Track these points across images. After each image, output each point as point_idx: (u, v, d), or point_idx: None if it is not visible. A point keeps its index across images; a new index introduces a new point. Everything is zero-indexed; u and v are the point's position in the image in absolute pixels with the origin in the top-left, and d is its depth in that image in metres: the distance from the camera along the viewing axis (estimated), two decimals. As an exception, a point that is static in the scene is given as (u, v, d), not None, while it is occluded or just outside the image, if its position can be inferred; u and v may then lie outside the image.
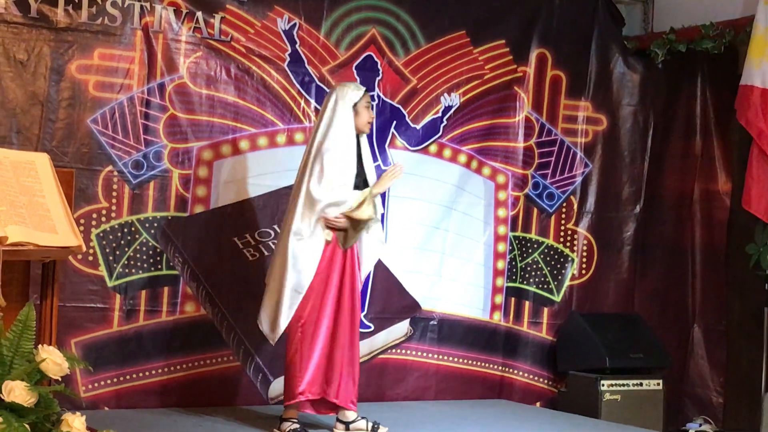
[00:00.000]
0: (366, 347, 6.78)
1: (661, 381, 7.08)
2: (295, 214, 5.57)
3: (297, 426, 5.62)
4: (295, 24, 6.61)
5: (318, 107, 6.65)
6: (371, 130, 6.71)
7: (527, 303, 7.31)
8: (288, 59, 6.60)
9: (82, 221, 6.01)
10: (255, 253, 6.50)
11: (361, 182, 5.69)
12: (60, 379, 3.96)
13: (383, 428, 5.72)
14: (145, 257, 6.25)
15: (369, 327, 6.78)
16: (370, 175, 5.78)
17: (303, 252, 5.54)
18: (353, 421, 5.70)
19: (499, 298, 7.22)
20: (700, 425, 7.34)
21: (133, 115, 6.19)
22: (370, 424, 5.71)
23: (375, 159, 6.78)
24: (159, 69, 6.26)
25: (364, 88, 5.79)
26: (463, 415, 5.98)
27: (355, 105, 5.69)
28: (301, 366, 5.58)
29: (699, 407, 7.70)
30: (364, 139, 5.83)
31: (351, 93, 5.71)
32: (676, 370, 7.60)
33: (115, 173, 6.16)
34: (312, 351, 5.60)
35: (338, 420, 5.73)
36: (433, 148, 7.01)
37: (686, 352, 7.80)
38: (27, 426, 3.77)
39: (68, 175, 4.50)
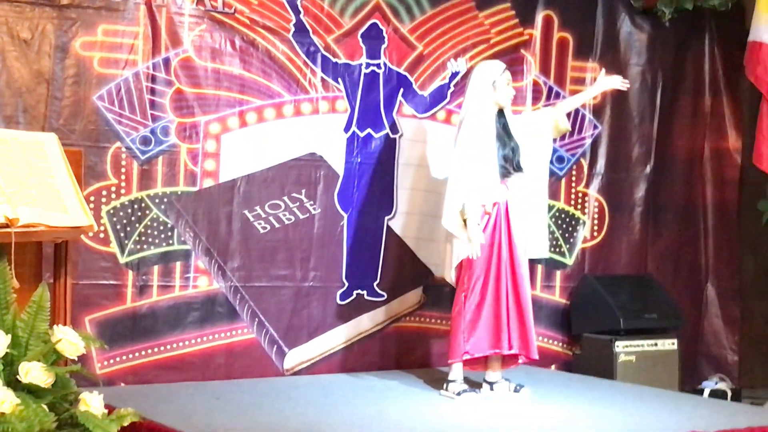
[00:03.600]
0: (380, 315, 6.80)
1: (675, 341, 7.08)
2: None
3: (465, 386, 5.83)
4: (298, -7, 6.58)
5: (324, 77, 6.63)
6: (379, 98, 6.73)
7: (540, 267, 7.29)
8: (293, 29, 6.56)
9: (91, 199, 6.00)
10: (266, 225, 6.49)
11: (511, 159, 5.91)
12: (76, 359, 3.97)
13: (526, 389, 5.92)
14: (156, 233, 6.25)
15: (382, 296, 6.78)
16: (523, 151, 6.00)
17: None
18: (497, 382, 5.97)
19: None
20: (716, 383, 7.35)
21: (139, 91, 6.17)
22: (513, 386, 5.95)
23: (383, 127, 6.77)
24: (163, 43, 6.23)
25: (503, 66, 6.03)
26: (478, 380, 5.99)
27: (494, 82, 5.92)
28: (465, 325, 5.83)
29: (714, 365, 7.72)
30: (509, 115, 6.04)
31: (491, 70, 5.98)
32: (690, 329, 7.61)
33: (123, 150, 6.15)
34: (478, 310, 5.84)
35: (484, 380, 6.00)
36: (441, 115, 6.98)
37: (700, 311, 7.81)
38: (45, 407, 3.79)
39: (77, 154, 4.50)
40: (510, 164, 5.94)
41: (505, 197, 5.94)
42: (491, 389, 5.98)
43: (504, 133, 5.97)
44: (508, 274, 5.92)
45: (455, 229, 5.80)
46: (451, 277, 5.97)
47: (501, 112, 6.01)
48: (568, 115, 6.44)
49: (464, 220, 5.77)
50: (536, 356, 6.01)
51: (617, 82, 6.41)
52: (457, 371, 5.91)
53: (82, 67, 6.03)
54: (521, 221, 6.00)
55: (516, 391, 5.93)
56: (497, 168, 5.88)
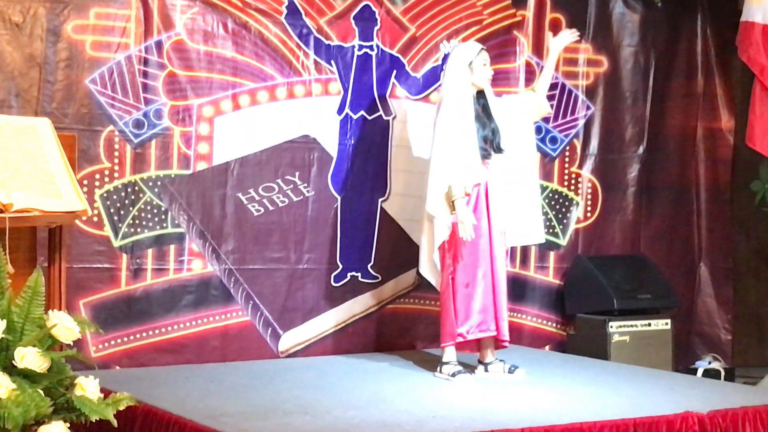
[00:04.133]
0: (374, 298, 6.81)
1: (669, 321, 7.10)
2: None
3: (459, 368, 5.85)
4: (290, -25, 6.56)
5: (317, 59, 6.62)
6: (372, 80, 6.73)
7: (533, 248, 7.30)
8: (285, 12, 6.54)
9: (85, 182, 6.00)
10: (260, 208, 6.49)
11: (491, 140, 5.91)
12: (71, 344, 3.98)
13: (520, 370, 5.92)
14: (150, 216, 6.25)
15: (377, 278, 6.79)
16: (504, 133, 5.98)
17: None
18: (491, 363, 5.99)
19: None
20: (710, 363, 7.38)
21: (131, 74, 6.16)
22: (507, 366, 5.95)
23: (376, 109, 6.77)
24: (156, 26, 6.21)
25: (480, 46, 6.03)
26: (472, 361, 6.01)
27: (470, 63, 5.92)
28: (457, 307, 5.87)
29: (708, 345, 7.75)
30: (490, 96, 6.02)
31: (467, 51, 5.99)
32: (683, 309, 7.63)
33: (117, 133, 6.14)
34: (469, 291, 5.88)
35: (478, 361, 6.01)
36: (434, 96, 6.97)
37: (693, 291, 7.83)
38: (40, 392, 3.80)
39: (70, 139, 4.51)
40: (490, 145, 5.93)
41: (485, 178, 5.93)
42: (486, 371, 5.99)
43: (483, 115, 5.96)
44: (487, 252, 5.93)
45: (440, 212, 5.80)
46: (435, 260, 5.97)
47: (481, 94, 6.00)
48: (549, 97, 6.43)
49: (451, 203, 5.77)
50: (507, 338, 6.01)
51: (567, 36, 6.32)
52: (450, 353, 5.93)
53: (74, 50, 6.01)
54: (503, 203, 6.01)
55: (510, 372, 5.95)
56: (477, 149, 5.87)
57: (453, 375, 5.82)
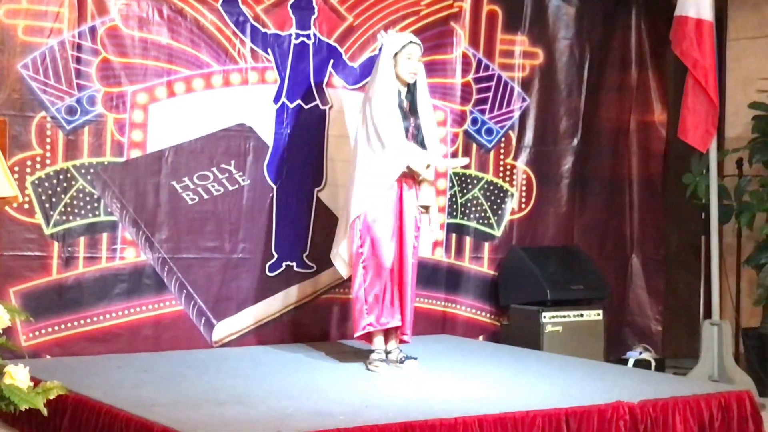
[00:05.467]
0: (310, 287, 6.80)
1: (601, 311, 7.17)
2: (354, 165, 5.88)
3: (380, 356, 5.86)
4: (227, -38, 6.51)
5: (254, 47, 6.58)
6: (309, 70, 6.71)
7: (468, 239, 7.35)
8: (221, -1, 6.51)
9: (16, 169, 5.91)
10: (194, 196, 6.45)
11: (414, 135, 5.89)
12: (1, 332, 3.93)
13: (413, 362, 5.88)
14: (82, 204, 6.18)
15: (312, 267, 6.78)
16: (428, 129, 5.95)
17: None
18: (391, 352, 5.96)
19: (441, 235, 7.24)
20: (641, 353, 7.47)
21: (64, 60, 6.08)
22: (402, 356, 5.92)
23: (313, 99, 6.75)
24: (90, 12, 6.13)
25: (408, 39, 5.97)
26: (407, 350, 6.03)
27: (396, 54, 5.89)
28: (367, 298, 5.86)
29: (639, 336, 7.84)
30: (420, 93, 5.97)
31: (393, 42, 5.93)
32: (615, 300, 7.72)
33: (49, 119, 6.06)
34: (376, 281, 5.86)
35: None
36: (370, 86, 6.97)
37: (625, 283, 7.93)
38: (-31, 380, 3.74)
39: (1, 124, 4.45)
40: (413, 140, 5.91)
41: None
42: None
43: (409, 109, 5.94)
44: (397, 247, 5.92)
45: (358, 209, 5.83)
46: (342, 253, 5.98)
47: (413, 87, 5.98)
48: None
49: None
50: (407, 332, 5.97)
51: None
52: (378, 342, 5.94)
53: (6, 35, 5.92)
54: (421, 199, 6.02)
55: (401, 362, 5.91)
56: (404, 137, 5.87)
57: (369, 363, 5.84)
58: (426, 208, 6.03)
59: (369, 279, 5.87)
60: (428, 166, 5.93)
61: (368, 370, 5.82)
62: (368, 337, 5.95)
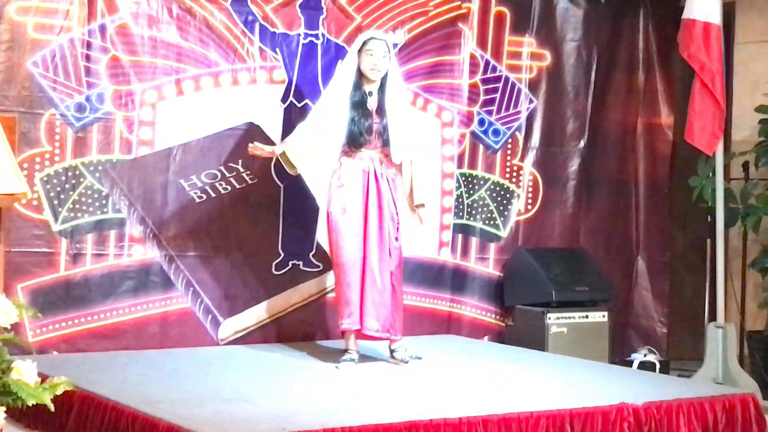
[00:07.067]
0: (315, 286, 6.82)
1: (606, 313, 7.18)
2: None
3: (349, 356, 5.84)
4: (236, -38, 6.53)
5: (262, 47, 6.60)
6: (317, 69, 6.73)
7: (474, 239, 7.36)
8: (230, -2, 6.53)
9: (25, 165, 5.93)
10: (202, 195, 6.47)
11: (380, 132, 5.88)
12: (9, 327, 3.95)
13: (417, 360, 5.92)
14: (90, 201, 6.20)
15: (318, 266, 6.79)
16: (396, 129, 5.90)
17: None
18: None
19: (447, 235, 7.26)
20: (645, 355, 7.46)
21: (74, 58, 6.10)
22: (408, 355, 5.95)
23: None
24: (99, 10, 6.16)
25: (370, 35, 5.98)
26: (412, 350, 6.04)
27: (359, 51, 5.92)
28: (341, 299, 5.91)
29: (643, 338, 7.85)
30: (391, 91, 5.93)
31: (359, 39, 5.98)
32: (620, 302, 7.73)
33: (58, 116, 6.08)
34: (349, 284, 5.87)
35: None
36: (378, 87, 6.98)
37: (630, 285, 7.93)
38: (-23, 375, 3.76)
39: (10, 121, 4.48)
40: (379, 139, 5.91)
41: (370, 166, 5.92)
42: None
43: (376, 108, 5.91)
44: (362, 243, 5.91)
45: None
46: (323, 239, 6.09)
47: (384, 86, 5.97)
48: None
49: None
50: (370, 334, 5.93)
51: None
52: (349, 342, 5.95)
53: (16, 32, 5.95)
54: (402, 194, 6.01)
55: (405, 361, 5.95)
56: (344, 135, 5.89)
57: (338, 362, 5.83)
58: (419, 206, 5.98)
59: (339, 275, 5.91)
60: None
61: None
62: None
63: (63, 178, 6.11)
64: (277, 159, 6.11)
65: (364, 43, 5.93)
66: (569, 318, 7.03)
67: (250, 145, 6.04)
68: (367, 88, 5.94)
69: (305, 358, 6.14)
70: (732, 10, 7.63)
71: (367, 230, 5.90)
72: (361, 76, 5.94)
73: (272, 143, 6.58)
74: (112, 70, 6.22)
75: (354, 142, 5.90)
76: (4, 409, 3.86)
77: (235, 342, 6.56)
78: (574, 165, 7.71)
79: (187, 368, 5.67)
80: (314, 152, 5.98)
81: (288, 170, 6.03)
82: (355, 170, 5.91)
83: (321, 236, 6.15)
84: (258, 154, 6.06)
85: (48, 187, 6.07)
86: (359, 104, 5.90)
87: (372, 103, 5.93)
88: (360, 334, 5.94)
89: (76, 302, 6.14)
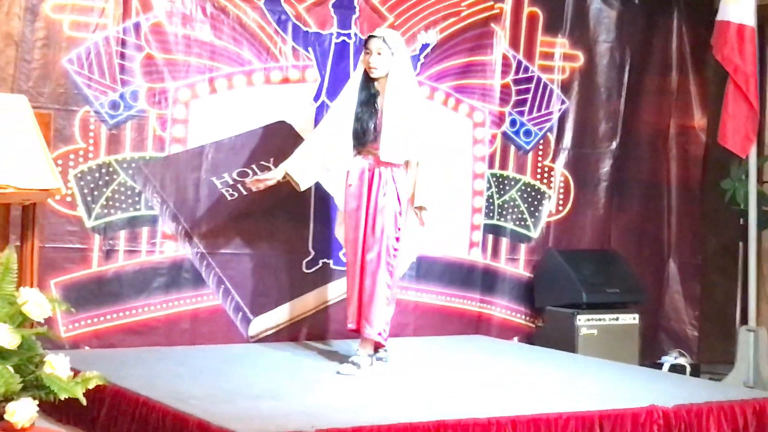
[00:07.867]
0: (342, 286, 6.82)
1: (637, 315, 7.15)
2: None
3: (355, 358, 5.75)
4: (270, -39, 6.56)
5: (295, 46, 6.63)
6: (349, 68, 6.74)
7: (504, 240, 7.35)
8: (264, -3, 6.56)
9: (59, 162, 5.98)
10: (233, 192, 6.50)
11: (367, 130, 5.83)
12: (42, 321, 3.98)
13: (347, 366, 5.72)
14: (123, 197, 6.24)
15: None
16: (389, 127, 5.81)
17: None
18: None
19: (477, 236, 7.26)
20: (676, 358, 7.44)
21: (108, 55, 6.14)
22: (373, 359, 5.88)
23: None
24: (134, 8, 6.20)
25: (371, 34, 5.93)
26: (441, 350, 6.04)
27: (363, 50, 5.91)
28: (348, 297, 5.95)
29: (674, 341, 7.82)
30: (391, 89, 5.83)
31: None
32: (651, 304, 7.69)
33: (92, 114, 6.12)
34: (350, 283, 5.90)
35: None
36: (410, 86, 6.98)
37: (662, 287, 7.90)
38: (10, 368, 3.80)
39: (46, 117, 4.51)
40: (369, 133, 5.85)
41: (372, 165, 5.87)
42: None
43: (376, 106, 5.86)
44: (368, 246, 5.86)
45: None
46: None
47: (386, 83, 5.90)
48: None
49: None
50: (364, 334, 5.85)
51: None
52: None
53: (52, 29, 6.00)
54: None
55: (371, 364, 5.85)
56: (350, 133, 5.86)
57: (340, 367, 5.73)
58: (419, 208, 5.86)
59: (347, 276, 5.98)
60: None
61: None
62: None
63: (96, 174, 6.15)
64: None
65: (365, 41, 5.91)
66: (599, 320, 7.01)
67: (248, 180, 6.03)
68: (374, 86, 5.90)
69: (334, 356, 6.15)
70: (766, 12, 7.58)
71: (366, 230, 5.87)
72: (368, 75, 5.91)
73: (302, 141, 6.61)
74: (146, 68, 6.26)
75: (358, 141, 5.88)
76: (36, 402, 3.89)
77: (265, 339, 6.58)
78: (605, 166, 7.69)
79: (217, 365, 5.70)
80: (323, 161, 5.91)
81: (296, 188, 5.94)
82: (359, 169, 5.90)
83: (339, 235, 6.19)
84: (261, 187, 5.94)
85: (82, 183, 6.11)
86: (365, 103, 5.86)
87: (380, 102, 5.90)
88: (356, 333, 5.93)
89: (108, 298, 6.18)
